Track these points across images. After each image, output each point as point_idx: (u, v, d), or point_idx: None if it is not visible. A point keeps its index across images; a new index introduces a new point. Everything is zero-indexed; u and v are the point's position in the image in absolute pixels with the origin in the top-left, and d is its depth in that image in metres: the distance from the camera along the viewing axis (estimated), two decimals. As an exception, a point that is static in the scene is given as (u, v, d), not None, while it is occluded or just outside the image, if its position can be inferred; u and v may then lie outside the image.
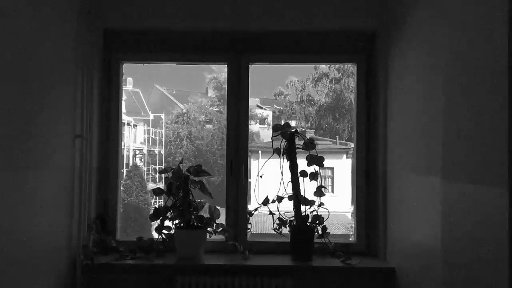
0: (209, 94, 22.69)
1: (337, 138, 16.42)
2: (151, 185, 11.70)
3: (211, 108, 20.80)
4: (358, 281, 2.22)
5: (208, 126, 20.14)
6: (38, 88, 1.84)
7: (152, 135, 17.60)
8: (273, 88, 18.80)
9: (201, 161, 14.99)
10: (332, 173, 13.59)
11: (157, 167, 15.34)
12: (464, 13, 1.51)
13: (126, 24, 2.42)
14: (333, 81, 18.83)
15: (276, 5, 2.40)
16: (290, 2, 2.40)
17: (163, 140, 18.25)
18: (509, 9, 1.19)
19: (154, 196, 11.44)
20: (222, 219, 2.39)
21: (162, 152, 17.77)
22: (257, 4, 2.40)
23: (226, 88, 2.51)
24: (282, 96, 21.82)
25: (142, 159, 16.50)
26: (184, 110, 20.98)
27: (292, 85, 20.24)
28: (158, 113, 18.86)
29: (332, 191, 13.12)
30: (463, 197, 1.44)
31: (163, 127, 18.72)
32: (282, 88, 21.78)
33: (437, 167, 1.63)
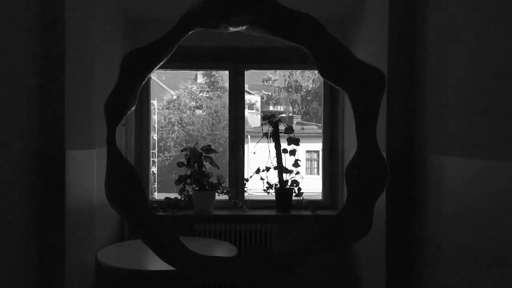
0: (198, 80, 23.25)
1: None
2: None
3: (201, 94, 21.42)
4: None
5: (198, 111, 20.78)
6: (99, 90, 2.67)
7: (145, 121, 18.25)
8: (262, 74, 19.58)
9: (187, 147, 15.66)
10: (318, 156, 14.24)
11: (150, 151, 16.14)
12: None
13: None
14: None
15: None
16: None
17: (156, 125, 18.92)
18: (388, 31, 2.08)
19: (152, 180, 12.32)
20: (226, 184, 3.28)
21: (155, 137, 18.47)
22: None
23: (228, 88, 3.36)
24: (271, 82, 22.55)
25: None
26: (174, 96, 21.58)
27: (281, 70, 20.94)
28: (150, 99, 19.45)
29: (318, 173, 13.74)
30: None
31: (155, 113, 19.36)
32: (270, 74, 22.49)
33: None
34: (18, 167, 1.75)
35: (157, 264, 2.34)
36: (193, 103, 21.32)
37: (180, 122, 20.31)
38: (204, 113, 20.33)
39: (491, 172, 1.45)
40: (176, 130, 20.02)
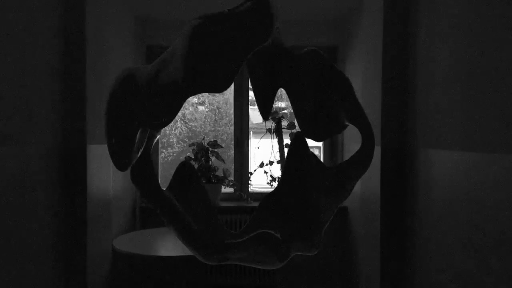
0: (201, 77, 23.32)
1: (324, 118, 17.35)
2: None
3: (203, 90, 21.51)
4: (323, 216, 3.32)
5: (200, 108, 20.88)
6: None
7: (148, 117, 18.35)
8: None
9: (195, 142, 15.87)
10: (320, 152, 14.52)
11: (159, 147, 16.30)
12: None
13: (162, 41, 3.42)
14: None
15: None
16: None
17: (159, 122, 19.01)
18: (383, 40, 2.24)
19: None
20: (231, 177, 3.45)
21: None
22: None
23: (232, 86, 3.53)
24: (272, 78, 22.59)
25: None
26: (177, 93, 21.69)
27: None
28: (152, 96, 19.49)
29: (319, 169, 14.09)
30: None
31: (158, 110, 19.46)
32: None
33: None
34: (43, 161, 1.92)
35: (167, 250, 2.52)
36: (196, 100, 21.38)
37: (182, 118, 20.46)
38: (207, 109, 20.45)
39: (478, 164, 1.61)
40: (179, 127, 20.16)
